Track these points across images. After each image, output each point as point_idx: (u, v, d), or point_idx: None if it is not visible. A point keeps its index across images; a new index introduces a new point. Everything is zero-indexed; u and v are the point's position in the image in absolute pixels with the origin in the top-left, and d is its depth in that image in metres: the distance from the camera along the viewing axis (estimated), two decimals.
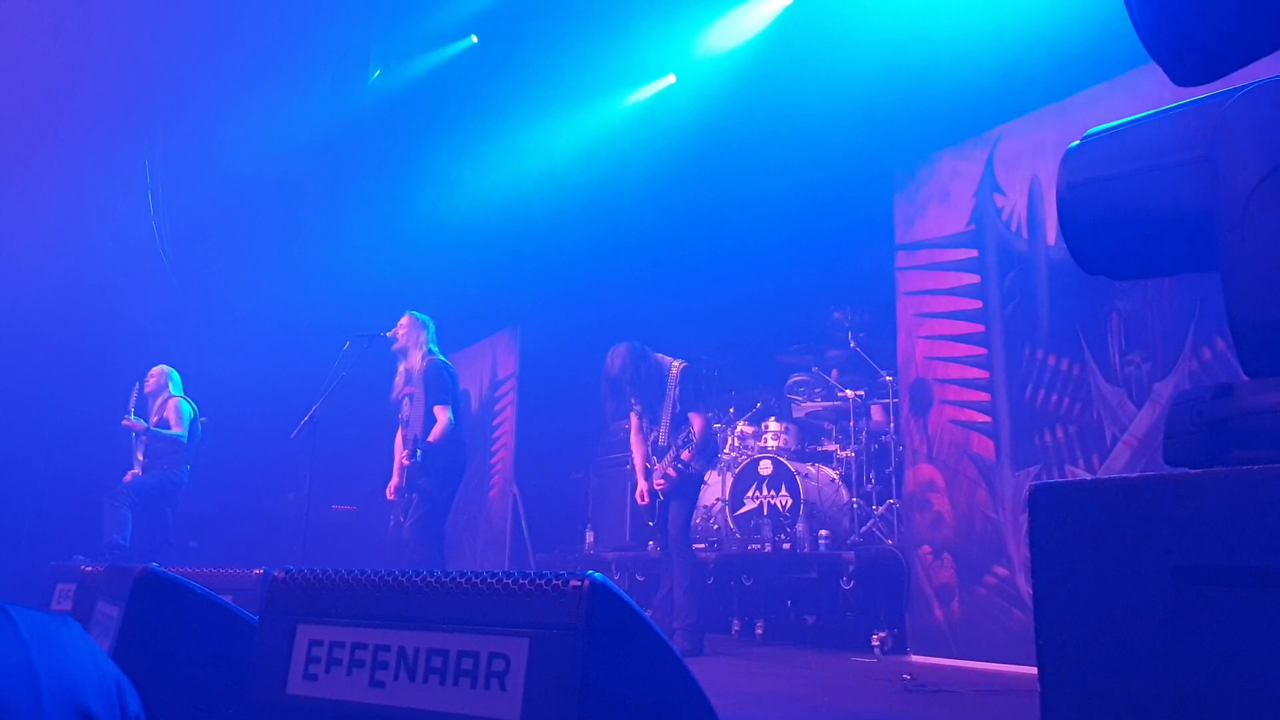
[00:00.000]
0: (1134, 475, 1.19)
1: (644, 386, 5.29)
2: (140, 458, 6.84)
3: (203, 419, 7.18)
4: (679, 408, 5.26)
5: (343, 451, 8.06)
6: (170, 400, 6.92)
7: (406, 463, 5.25)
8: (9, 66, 6.99)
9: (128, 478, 6.75)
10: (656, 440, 5.30)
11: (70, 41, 7.09)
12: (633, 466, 7.18)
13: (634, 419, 5.45)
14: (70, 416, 7.36)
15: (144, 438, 6.79)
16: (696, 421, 5.22)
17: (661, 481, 5.20)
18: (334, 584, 1.70)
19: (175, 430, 6.82)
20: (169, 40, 7.30)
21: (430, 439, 5.25)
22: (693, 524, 6.50)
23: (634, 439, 5.47)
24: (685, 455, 5.15)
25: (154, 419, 6.87)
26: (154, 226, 8.23)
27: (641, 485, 5.34)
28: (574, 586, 1.43)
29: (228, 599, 2.37)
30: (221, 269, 8.35)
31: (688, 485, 5.24)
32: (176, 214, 8.58)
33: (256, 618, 1.80)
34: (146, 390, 6.91)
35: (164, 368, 7.07)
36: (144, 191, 8.30)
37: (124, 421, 6.76)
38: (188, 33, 7.25)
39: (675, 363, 5.34)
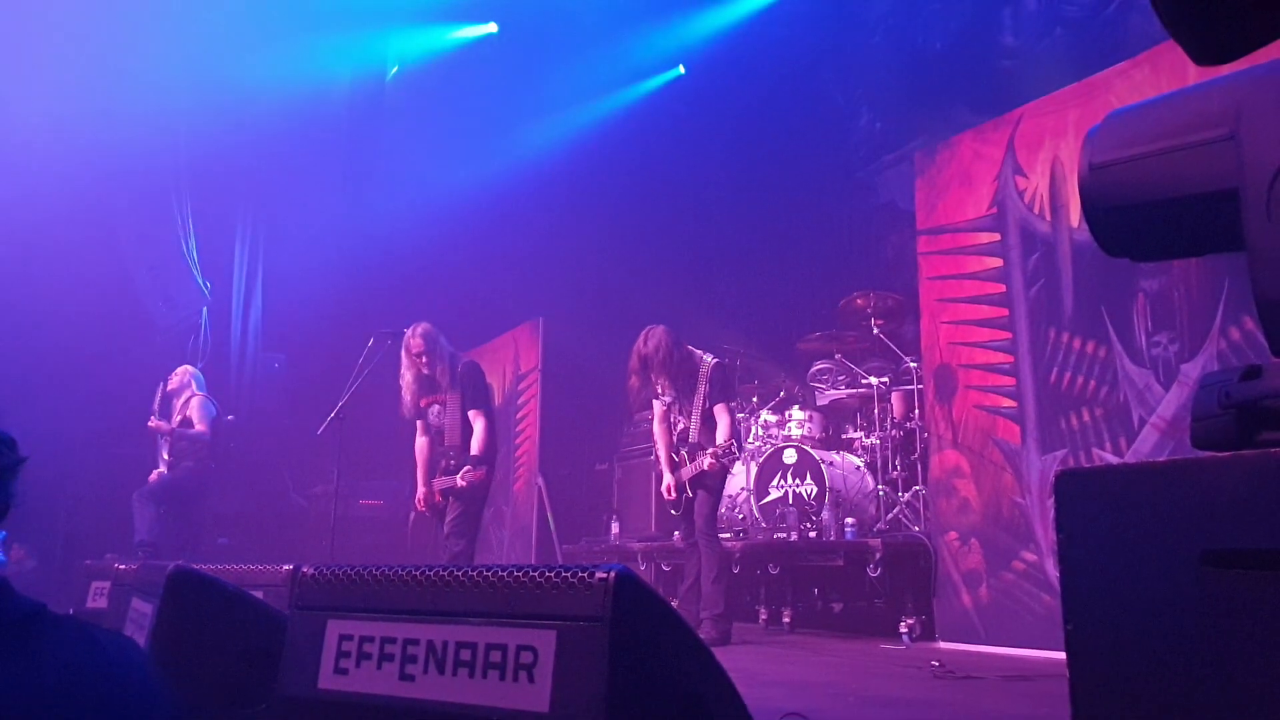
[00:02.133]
0: (1160, 460, 1.18)
1: (675, 373, 5.19)
2: (165, 457, 6.95)
3: (229, 417, 7.27)
4: (708, 403, 5.18)
5: (369, 447, 8.14)
6: (194, 399, 7.01)
7: (462, 482, 5.09)
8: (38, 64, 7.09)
9: (153, 477, 6.86)
10: (686, 434, 5.23)
11: (97, 37, 7.16)
12: (657, 457, 7.21)
13: (659, 408, 5.36)
14: (101, 418, 7.47)
15: (168, 438, 6.89)
16: (725, 415, 5.15)
17: (692, 472, 5.11)
18: (362, 579, 1.72)
19: (199, 429, 6.91)
20: (197, 42, 7.37)
21: (476, 452, 5.14)
22: (718, 514, 6.53)
23: (659, 428, 5.40)
24: (727, 456, 5.04)
25: (177, 418, 6.96)
26: (181, 235, 8.31)
27: (669, 479, 5.27)
28: (600, 579, 1.43)
29: (258, 595, 2.41)
30: (245, 262, 8.43)
31: (714, 477, 5.17)
32: (200, 212, 8.66)
33: (287, 613, 1.83)
34: (169, 389, 7.01)
35: (188, 368, 7.17)
36: (170, 196, 8.39)
37: (150, 424, 6.86)
38: (216, 37, 7.32)
39: (707, 357, 5.28)
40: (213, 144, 8.06)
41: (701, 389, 5.20)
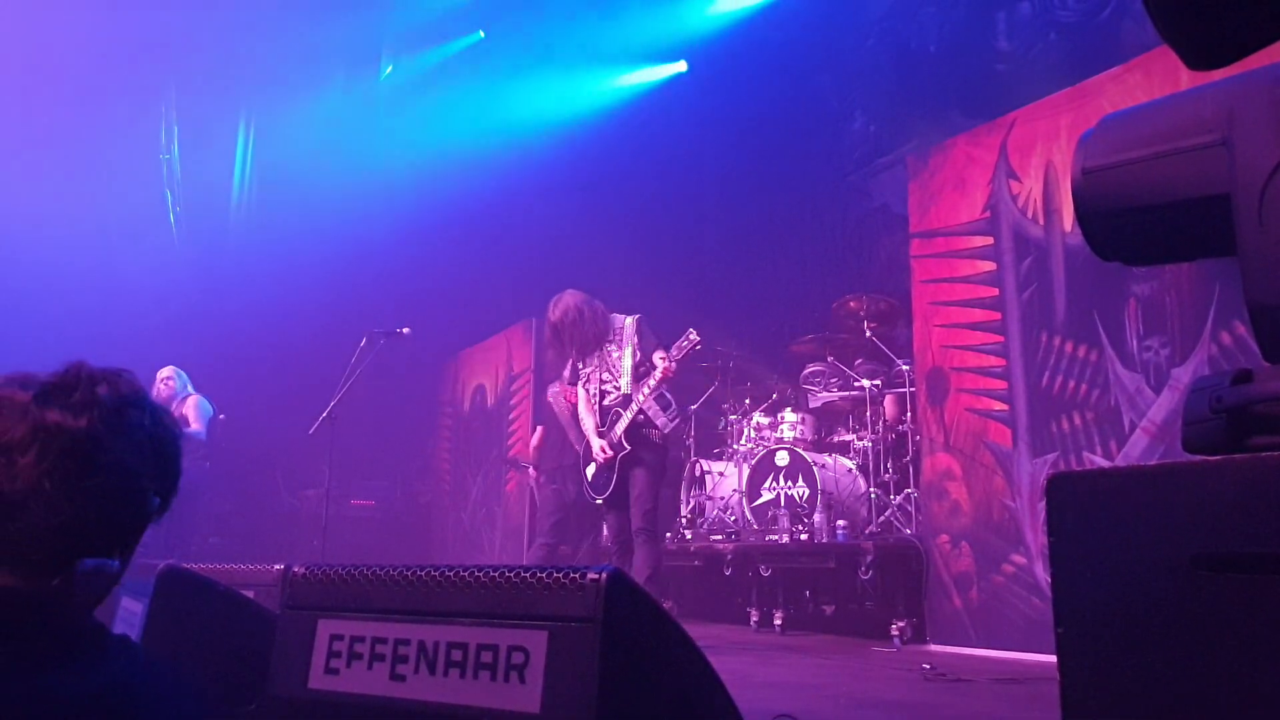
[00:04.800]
0: (1151, 464, 1.18)
1: (590, 336, 4.78)
2: None
3: (221, 416, 7.26)
4: (639, 355, 4.76)
5: (361, 448, 8.12)
6: (190, 399, 7.01)
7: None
8: (29, 64, 7.06)
9: None
10: (620, 394, 4.75)
11: (84, 28, 7.13)
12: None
13: (581, 392, 4.95)
14: None
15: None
16: (662, 360, 4.62)
17: (629, 415, 4.58)
18: (353, 579, 1.71)
19: (195, 428, 6.91)
20: (185, 38, 7.35)
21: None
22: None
23: (581, 411, 4.95)
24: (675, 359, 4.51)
25: (174, 413, 6.95)
26: (171, 214, 8.29)
27: (598, 443, 4.77)
28: (591, 580, 1.43)
29: (249, 594, 2.40)
30: (238, 263, 8.41)
31: (654, 453, 4.72)
32: (192, 210, 8.64)
33: (277, 613, 1.82)
34: (163, 396, 6.99)
35: (174, 369, 7.14)
36: (161, 189, 8.36)
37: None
38: (205, 31, 7.30)
39: (628, 318, 4.87)
40: (199, 137, 8.05)
41: (629, 346, 4.77)
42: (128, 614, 2.26)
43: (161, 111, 8.61)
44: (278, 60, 7.65)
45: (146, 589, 2.16)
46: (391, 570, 1.68)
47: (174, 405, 7.01)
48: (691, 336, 4.55)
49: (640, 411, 4.68)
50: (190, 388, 7.15)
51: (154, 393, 6.95)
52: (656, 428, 4.74)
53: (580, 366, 4.96)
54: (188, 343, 7.96)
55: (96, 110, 7.73)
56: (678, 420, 4.99)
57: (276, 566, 3.13)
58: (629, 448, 4.69)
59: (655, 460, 4.76)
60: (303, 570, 1.79)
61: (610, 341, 4.85)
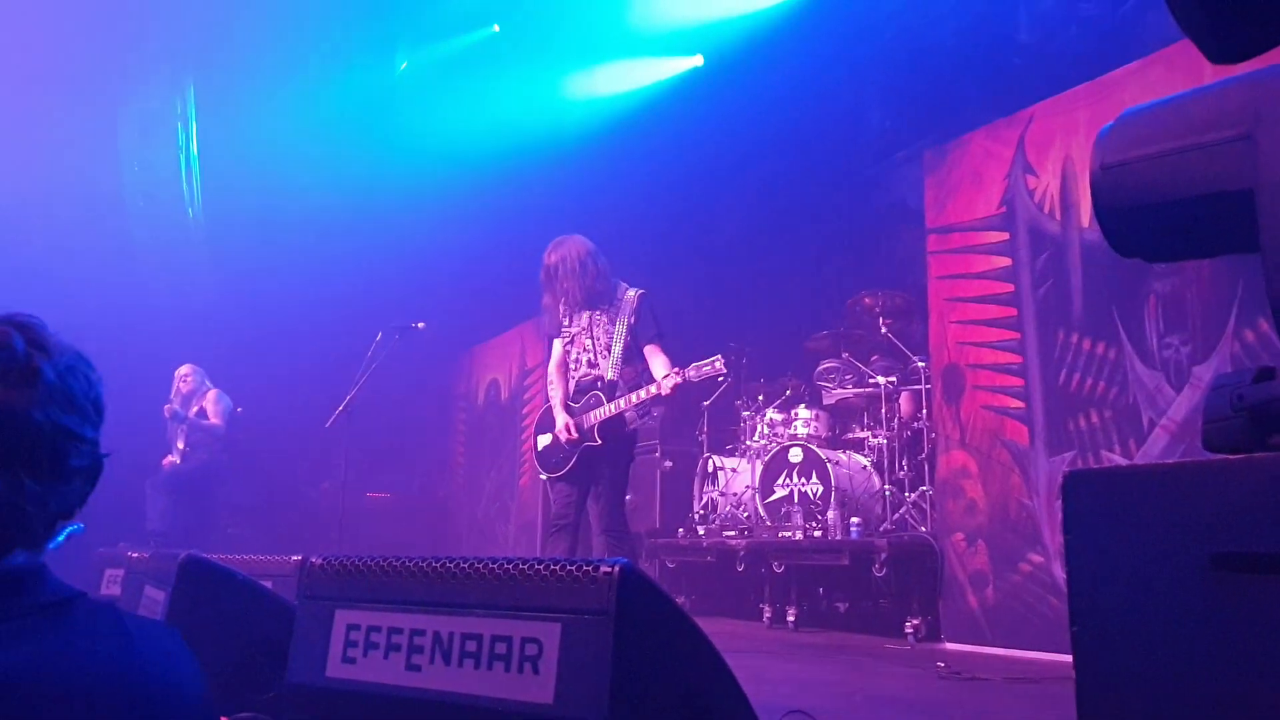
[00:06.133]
0: (1170, 462, 1.18)
1: (587, 289, 4.25)
2: (180, 446, 7.01)
3: (239, 409, 7.32)
4: (631, 338, 4.24)
5: (377, 441, 8.16)
6: (209, 393, 7.10)
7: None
8: (49, 57, 7.12)
9: (165, 463, 6.92)
10: (597, 371, 4.25)
11: (102, 17, 7.18)
12: (662, 453, 7.21)
13: (558, 347, 4.43)
14: (111, 406, 7.50)
15: (184, 426, 6.95)
16: (658, 357, 4.17)
17: (610, 414, 4.09)
18: (370, 570, 1.73)
19: (214, 422, 6.99)
20: (204, 29, 7.40)
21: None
22: (719, 511, 6.54)
23: (554, 371, 4.42)
24: (689, 379, 3.98)
25: (194, 408, 7.03)
26: (188, 205, 8.34)
27: (564, 419, 4.25)
28: (604, 572, 1.44)
29: (267, 584, 2.42)
30: (256, 258, 8.46)
31: (624, 442, 4.25)
32: (210, 203, 8.70)
33: (295, 603, 1.84)
34: (184, 392, 7.07)
35: (191, 366, 7.21)
36: (178, 179, 8.43)
37: (166, 408, 6.92)
38: (221, 22, 7.34)
39: (632, 290, 4.36)
40: (218, 131, 8.09)
41: (625, 320, 4.25)
42: (150, 602, 2.29)
43: (177, 104, 8.68)
44: (294, 53, 7.70)
45: (169, 578, 2.19)
46: (407, 561, 1.69)
47: (193, 400, 7.08)
48: (717, 365, 4.01)
49: (621, 410, 4.18)
50: (208, 383, 7.23)
51: (174, 390, 7.03)
52: (625, 421, 4.23)
53: (564, 321, 4.40)
54: (206, 335, 8.03)
55: (111, 100, 7.81)
56: (647, 418, 4.45)
57: (294, 557, 3.16)
58: (600, 441, 4.18)
59: (626, 454, 4.30)
60: (320, 561, 1.81)
61: (602, 310, 4.29)
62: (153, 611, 2.21)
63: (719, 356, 4.03)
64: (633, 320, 4.25)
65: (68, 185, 7.76)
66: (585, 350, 4.32)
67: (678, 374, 4.03)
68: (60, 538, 0.98)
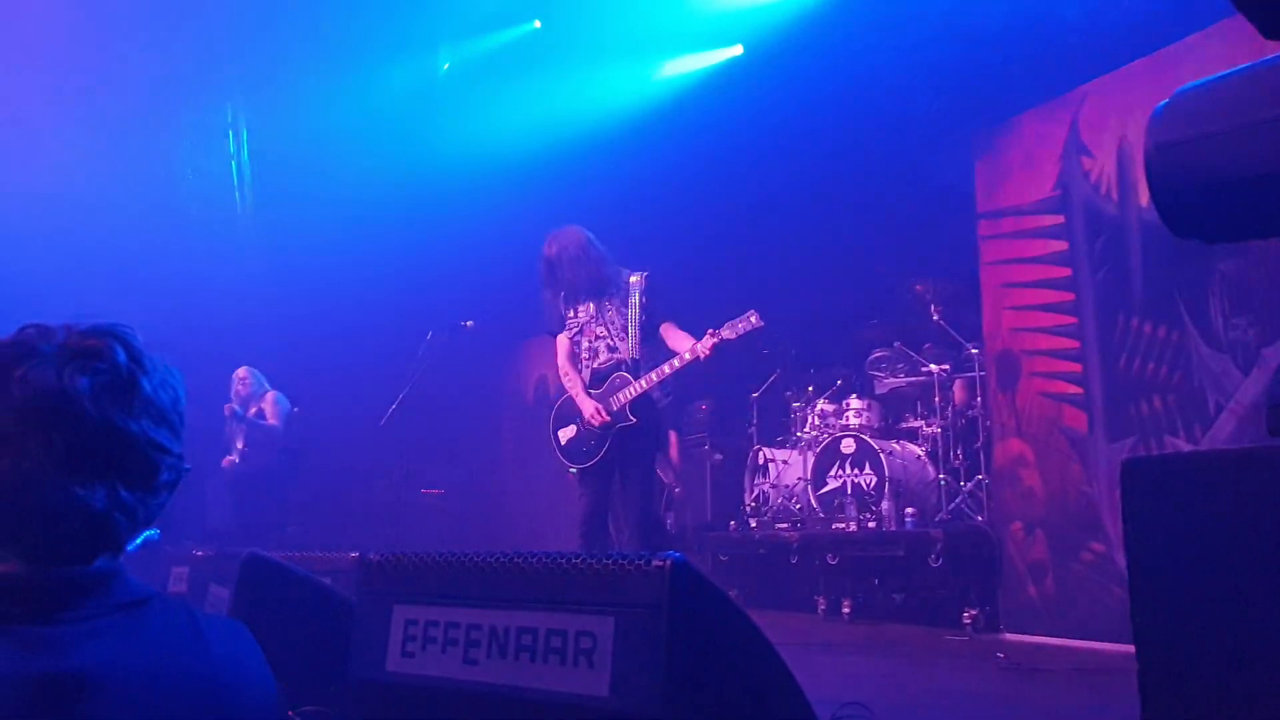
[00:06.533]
0: (1232, 448, 1.15)
1: (590, 276, 4.23)
2: (240, 445, 7.20)
3: (295, 409, 7.49)
4: (645, 316, 4.18)
5: (429, 437, 8.29)
6: (267, 395, 7.28)
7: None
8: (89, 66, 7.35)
9: (225, 463, 7.12)
10: (618, 354, 4.20)
11: (156, 26, 7.37)
12: (711, 445, 7.20)
13: (564, 340, 4.39)
14: None
15: (243, 426, 7.14)
16: (676, 332, 4.13)
17: (641, 389, 4.02)
18: (427, 566, 1.76)
19: (271, 423, 7.17)
20: (253, 33, 7.56)
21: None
22: (770, 503, 6.51)
23: (566, 363, 4.36)
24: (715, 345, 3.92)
25: (254, 409, 7.22)
26: (237, 199, 8.54)
27: (590, 405, 4.17)
28: (656, 566, 1.45)
29: (326, 581, 2.48)
30: (308, 259, 8.63)
31: (656, 423, 4.18)
32: (262, 208, 8.89)
33: (354, 599, 1.88)
34: (243, 394, 7.26)
35: (248, 369, 7.40)
36: (230, 185, 8.64)
37: (227, 408, 7.11)
38: (273, 25, 7.49)
39: (636, 273, 4.32)
40: (270, 137, 8.26)
41: (635, 301, 4.19)
42: (215, 599, 2.36)
43: (228, 111, 8.89)
44: (340, 56, 7.83)
45: (232, 576, 2.25)
46: (462, 557, 1.72)
47: (252, 403, 7.26)
48: (752, 320, 3.97)
49: (653, 384, 4.12)
50: (266, 384, 7.41)
51: (232, 393, 7.22)
52: (654, 400, 4.19)
53: (568, 314, 4.36)
54: (263, 336, 8.22)
55: (166, 107, 8.03)
56: (669, 400, 4.32)
57: (352, 554, 3.23)
58: (634, 419, 4.07)
59: (659, 436, 4.22)
60: (378, 557, 1.85)
61: (610, 296, 4.27)
62: (218, 608, 2.28)
63: (753, 311, 3.97)
64: (645, 300, 4.19)
65: (129, 194, 8.00)
66: (600, 337, 4.26)
67: (713, 334, 3.97)
68: (138, 541, 1.02)
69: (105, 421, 0.93)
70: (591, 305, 4.30)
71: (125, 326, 1.02)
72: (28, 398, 0.91)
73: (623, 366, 4.18)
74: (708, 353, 3.98)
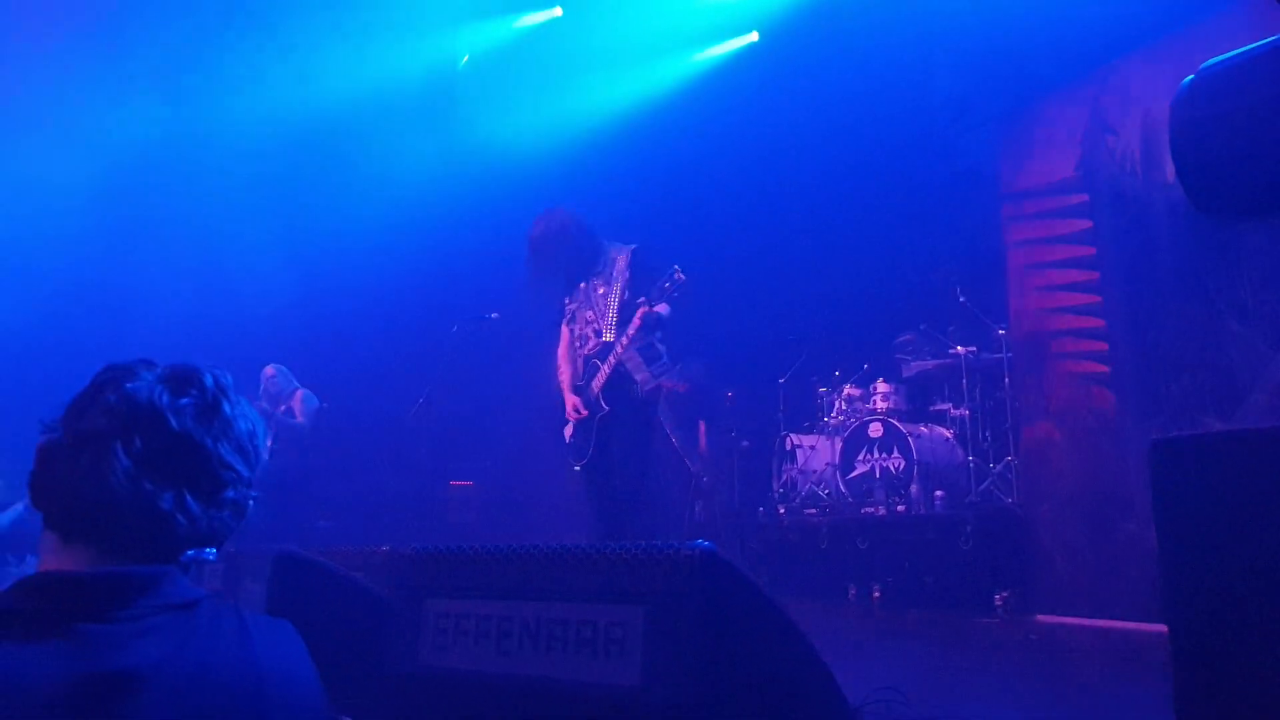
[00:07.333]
0: (1264, 427, 1.14)
1: (575, 258, 4.11)
2: (269, 443, 7.29)
3: (323, 405, 7.57)
4: (628, 294, 4.04)
5: (458, 431, 8.34)
6: (296, 393, 7.35)
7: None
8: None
9: None
10: (601, 340, 4.08)
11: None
12: (738, 432, 7.18)
13: (564, 333, 4.30)
14: None
15: (272, 424, 7.22)
16: (641, 305, 3.93)
17: (610, 365, 3.90)
18: (456, 559, 1.78)
19: (300, 420, 7.25)
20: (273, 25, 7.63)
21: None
22: (799, 489, 6.49)
23: (560, 357, 4.30)
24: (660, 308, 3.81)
25: (281, 407, 7.31)
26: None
27: (569, 400, 4.15)
28: (685, 555, 1.46)
29: (358, 575, 2.51)
30: (334, 253, 8.70)
31: (636, 412, 4.00)
32: (289, 199, 8.97)
33: (387, 593, 1.91)
34: (271, 392, 7.34)
35: (276, 366, 7.47)
36: (256, 184, 8.72)
37: (256, 406, 7.19)
38: (296, 15, 7.56)
39: (624, 248, 4.16)
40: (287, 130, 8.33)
41: (620, 279, 4.06)
42: (249, 595, 2.40)
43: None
44: (357, 51, 7.87)
45: (264, 572, 2.29)
46: (493, 550, 1.74)
47: (280, 401, 7.35)
48: (676, 275, 3.81)
49: (620, 364, 3.96)
50: (295, 382, 7.49)
51: (261, 391, 7.31)
52: (636, 383, 3.99)
53: (567, 302, 4.26)
54: (290, 332, 8.30)
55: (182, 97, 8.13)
56: (666, 375, 4.12)
57: (383, 548, 3.26)
58: (607, 408, 3.99)
59: (638, 421, 4.02)
60: (409, 551, 1.87)
61: (598, 275, 4.13)
62: (252, 604, 2.31)
63: (675, 267, 3.84)
64: (626, 276, 4.05)
65: (155, 189, 8.11)
66: (589, 322, 4.16)
67: (642, 303, 3.87)
68: (190, 553, 1.06)
69: (185, 434, 1.03)
70: (581, 288, 4.20)
71: (220, 368, 1.13)
72: (120, 404, 1.01)
73: (598, 351, 4.08)
74: (638, 324, 3.85)
